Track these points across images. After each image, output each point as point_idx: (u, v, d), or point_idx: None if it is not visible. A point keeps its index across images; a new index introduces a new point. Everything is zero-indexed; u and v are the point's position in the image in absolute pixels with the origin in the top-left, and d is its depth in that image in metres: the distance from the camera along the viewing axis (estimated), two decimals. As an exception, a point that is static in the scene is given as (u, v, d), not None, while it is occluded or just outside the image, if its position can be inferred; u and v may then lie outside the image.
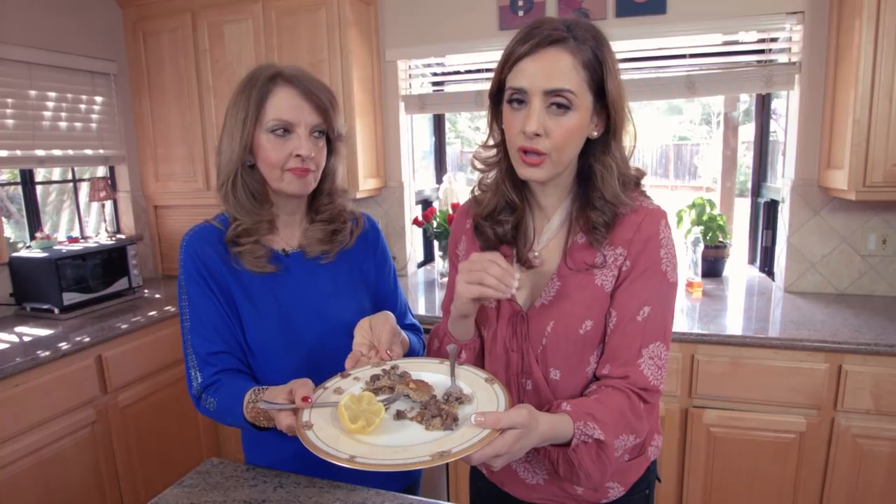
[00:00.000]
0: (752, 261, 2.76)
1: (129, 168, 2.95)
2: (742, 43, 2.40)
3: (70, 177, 2.86)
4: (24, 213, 2.64)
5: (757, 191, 2.71)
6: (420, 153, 3.14)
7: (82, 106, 2.71)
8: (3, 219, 2.40)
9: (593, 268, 0.96)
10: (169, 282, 2.96)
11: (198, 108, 2.74)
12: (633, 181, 0.99)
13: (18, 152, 2.44)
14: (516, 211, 1.02)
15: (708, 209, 2.64)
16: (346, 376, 0.97)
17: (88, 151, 2.74)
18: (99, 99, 2.78)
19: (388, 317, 1.05)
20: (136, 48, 2.82)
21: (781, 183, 2.43)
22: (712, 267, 2.58)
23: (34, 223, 2.62)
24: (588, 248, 0.97)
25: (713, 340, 1.89)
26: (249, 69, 1.11)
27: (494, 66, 0.95)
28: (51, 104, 2.57)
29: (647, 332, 0.94)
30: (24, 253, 2.38)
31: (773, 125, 2.64)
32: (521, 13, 2.51)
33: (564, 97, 0.87)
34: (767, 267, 2.64)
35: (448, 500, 2.15)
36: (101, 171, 2.93)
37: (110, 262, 2.51)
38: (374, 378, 0.94)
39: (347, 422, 0.81)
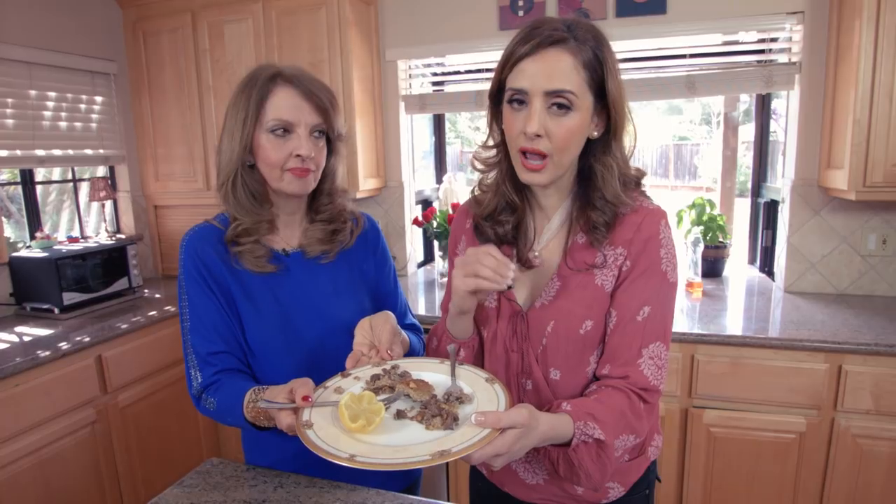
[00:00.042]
0: (752, 261, 2.76)
1: (129, 168, 2.95)
2: (742, 43, 2.40)
3: (70, 177, 2.86)
4: (24, 212, 2.64)
5: (757, 191, 2.71)
6: (420, 153, 3.14)
7: (82, 106, 2.71)
8: (3, 218, 2.40)
9: (593, 268, 0.96)
10: (169, 282, 2.96)
11: (198, 107, 2.74)
12: (633, 181, 0.99)
13: (18, 152, 2.44)
14: (517, 211, 1.02)
15: (708, 209, 2.64)
16: (347, 376, 0.97)
17: (88, 151, 2.74)
18: (99, 99, 2.78)
19: (388, 316, 1.05)
20: (136, 48, 2.82)
21: (781, 183, 2.43)
22: (712, 267, 2.58)
23: (34, 223, 2.62)
24: (588, 247, 0.97)
25: (713, 340, 1.89)
26: (249, 69, 1.11)
27: (494, 66, 0.95)
28: (51, 104, 2.57)
29: (647, 332, 0.94)
30: (24, 253, 2.38)
31: (773, 125, 2.64)
32: (521, 13, 2.51)
33: (565, 98, 0.87)
34: (767, 267, 2.64)
35: (448, 501, 2.15)
36: (101, 170, 2.93)
37: (110, 261, 2.51)
38: (375, 377, 0.94)
39: (348, 421, 0.81)
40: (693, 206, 2.67)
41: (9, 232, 2.66)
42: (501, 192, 1.01)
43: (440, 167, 3.22)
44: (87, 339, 2.05)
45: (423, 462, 0.73)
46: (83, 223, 2.91)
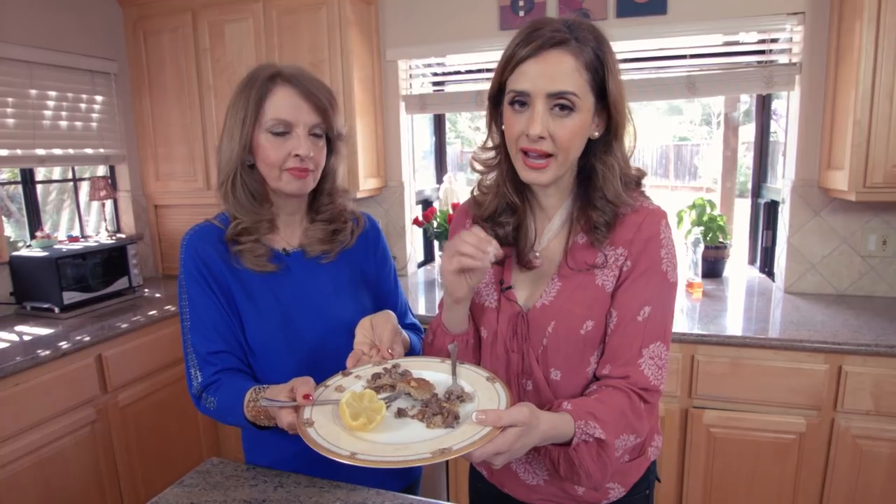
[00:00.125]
0: (752, 261, 2.76)
1: (130, 167, 2.95)
2: (743, 43, 2.40)
3: (70, 176, 2.86)
4: (24, 212, 2.64)
5: (757, 191, 2.71)
6: (420, 153, 3.14)
7: (83, 105, 2.71)
8: (4, 218, 2.40)
9: (594, 268, 0.96)
10: (169, 281, 2.96)
11: (198, 107, 2.74)
12: (633, 181, 0.99)
13: (19, 151, 2.44)
14: (517, 212, 1.02)
15: (708, 210, 2.64)
16: (348, 375, 0.97)
17: (89, 151, 2.74)
18: (99, 98, 2.78)
19: (389, 316, 1.05)
20: (137, 47, 2.82)
21: (782, 183, 2.43)
22: (712, 267, 2.58)
23: (34, 222, 2.62)
24: (589, 248, 0.97)
25: (713, 341, 1.89)
26: (250, 69, 1.12)
27: (495, 66, 0.95)
28: (51, 103, 2.57)
29: (647, 332, 0.94)
30: (24, 252, 2.38)
31: (773, 126, 2.64)
32: (521, 13, 2.51)
33: (568, 99, 0.87)
34: (767, 267, 2.64)
35: (448, 501, 2.15)
36: (102, 170, 2.93)
37: (110, 261, 2.51)
38: (376, 376, 0.94)
39: (349, 419, 0.81)
40: (693, 206, 2.68)
41: (9, 231, 2.66)
42: (502, 194, 1.01)
43: (440, 167, 3.22)
44: (88, 339, 2.05)
45: (424, 460, 0.73)
46: (83, 222, 2.91)
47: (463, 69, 2.80)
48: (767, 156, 2.66)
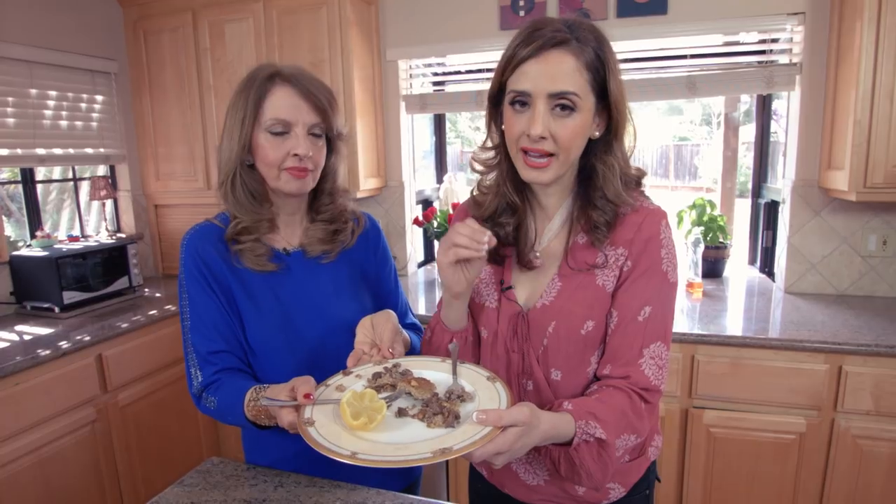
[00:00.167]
0: (752, 261, 2.76)
1: (130, 167, 2.95)
2: (743, 44, 2.40)
3: (70, 175, 2.86)
4: (24, 211, 2.64)
5: (757, 191, 2.71)
6: (420, 153, 3.14)
7: (83, 105, 2.71)
8: (4, 217, 2.40)
9: (595, 268, 0.96)
10: (169, 281, 2.96)
11: (198, 107, 2.74)
12: (633, 181, 0.99)
13: (19, 151, 2.44)
14: (517, 212, 1.02)
15: (708, 210, 2.64)
16: (348, 374, 0.97)
17: (89, 150, 2.74)
18: (99, 98, 2.78)
19: (389, 315, 1.05)
20: (137, 47, 2.82)
21: (782, 184, 2.43)
22: (712, 267, 2.58)
23: (34, 222, 2.62)
24: (589, 248, 0.97)
25: (713, 341, 1.89)
26: (250, 69, 1.12)
27: (495, 65, 0.94)
28: (51, 103, 2.57)
29: (647, 332, 0.94)
30: (24, 252, 2.38)
31: (773, 126, 2.64)
32: (522, 13, 2.51)
33: (569, 99, 0.87)
34: (768, 268, 2.64)
35: (448, 500, 2.15)
36: (102, 169, 2.93)
37: (111, 260, 2.51)
38: (376, 376, 0.94)
39: (349, 418, 0.81)
40: (693, 206, 2.68)
41: (9, 231, 2.66)
42: (502, 193, 1.01)
43: (441, 167, 3.22)
44: (88, 338, 2.05)
45: (424, 460, 0.73)
46: (83, 222, 2.91)
47: (463, 69, 2.80)
48: (768, 156, 2.66)
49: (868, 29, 1.86)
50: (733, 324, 2.03)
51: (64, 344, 1.98)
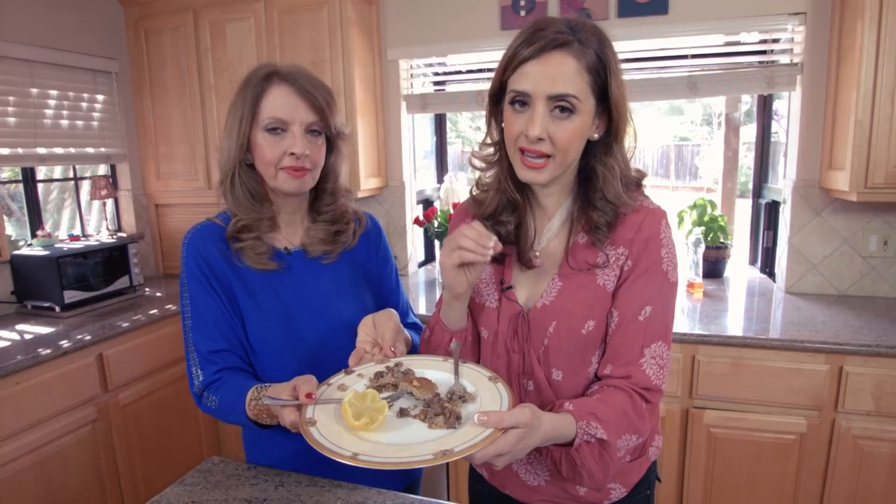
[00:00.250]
0: (752, 262, 2.76)
1: (131, 166, 2.95)
2: (744, 44, 2.40)
3: (71, 175, 2.86)
4: (25, 210, 2.64)
5: (758, 192, 2.71)
6: (421, 153, 3.14)
7: (84, 104, 2.71)
8: (5, 217, 2.40)
9: (595, 267, 0.96)
10: (170, 280, 2.96)
11: (199, 106, 2.74)
12: (633, 183, 0.99)
13: (20, 150, 2.44)
14: (518, 210, 1.02)
15: (709, 210, 2.64)
16: (350, 373, 0.97)
17: (90, 149, 2.74)
18: (100, 97, 2.78)
19: (391, 314, 1.05)
20: (138, 46, 2.82)
21: (783, 184, 2.43)
22: (713, 268, 2.58)
23: (35, 221, 2.62)
24: (590, 247, 0.97)
25: (714, 341, 1.89)
26: (251, 68, 1.12)
27: (496, 65, 0.94)
28: (52, 102, 2.57)
29: (648, 331, 0.94)
30: (25, 251, 2.38)
31: (774, 126, 2.64)
32: (522, 13, 2.51)
33: (568, 102, 0.87)
34: (768, 268, 2.64)
35: (448, 500, 2.15)
36: (103, 169, 2.93)
37: (111, 260, 2.51)
38: (378, 375, 0.94)
39: (351, 419, 0.81)
40: (694, 206, 2.67)
41: (10, 230, 2.66)
42: (503, 190, 1.01)
43: (441, 167, 3.22)
44: (88, 338, 2.05)
45: (425, 461, 0.73)
46: (84, 221, 2.91)
47: (464, 69, 2.80)
48: (768, 156, 2.66)
49: (869, 29, 1.86)
50: (734, 324, 2.03)
51: (65, 343, 1.98)
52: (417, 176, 3.05)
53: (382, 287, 1.26)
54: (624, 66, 0.93)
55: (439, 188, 3.09)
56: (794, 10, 2.20)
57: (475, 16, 2.58)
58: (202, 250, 1.10)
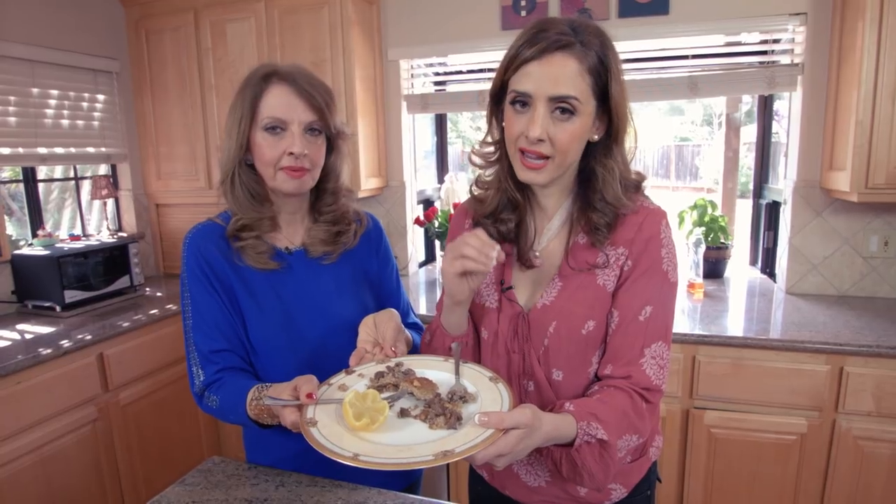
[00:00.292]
0: (753, 262, 2.76)
1: (131, 166, 2.95)
2: (745, 44, 2.39)
3: (72, 175, 2.87)
4: (25, 210, 2.64)
5: (759, 192, 2.71)
6: (422, 153, 3.14)
7: (84, 104, 2.71)
8: (5, 216, 2.40)
9: (595, 268, 0.96)
10: (170, 280, 2.96)
11: (200, 106, 2.74)
12: (633, 185, 0.99)
13: (21, 150, 2.44)
14: (518, 209, 1.02)
15: (709, 210, 2.64)
16: (351, 373, 0.97)
17: (90, 149, 2.74)
18: (101, 97, 2.79)
19: (392, 314, 1.05)
20: (139, 46, 2.82)
21: (783, 184, 2.43)
22: (714, 268, 2.58)
23: (36, 221, 2.62)
24: (590, 247, 0.97)
25: (714, 341, 1.89)
26: (251, 68, 1.12)
27: (496, 65, 0.94)
28: (53, 102, 2.57)
29: (648, 331, 0.94)
30: (25, 251, 2.38)
31: (775, 126, 2.64)
32: (523, 13, 2.51)
33: (569, 103, 0.87)
34: (769, 268, 2.64)
35: (449, 500, 2.15)
36: (103, 169, 2.94)
37: (112, 260, 2.51)
38: (379, 375, 0.94)
39: (352, 419, 0.81)
40: (695, 207, 2.67)
41: (11, 230, 2.66)
42: (504, 189, 1.01)
43: (442, 167, 3.22)
44: (89, 337, 2.06)
45: (426, 462, 0.73)
46: (85, 221, 2.91)
47: (464, 69, 2.80)
48: (769, 156, 2.66)
49: (870, 29, 1.86)
50: (734, 324, 2.02)
51: (65, 343, 1.98)
52: (418, 176, 3.05)
53: (383, 287, 1.26)
54: (625, 66, 0.93)
55: (440, 188, 3.09)
56: (795, 10, 2.20)
57: (476, 16, 2.58)
58: (203, 250, 1.10)
